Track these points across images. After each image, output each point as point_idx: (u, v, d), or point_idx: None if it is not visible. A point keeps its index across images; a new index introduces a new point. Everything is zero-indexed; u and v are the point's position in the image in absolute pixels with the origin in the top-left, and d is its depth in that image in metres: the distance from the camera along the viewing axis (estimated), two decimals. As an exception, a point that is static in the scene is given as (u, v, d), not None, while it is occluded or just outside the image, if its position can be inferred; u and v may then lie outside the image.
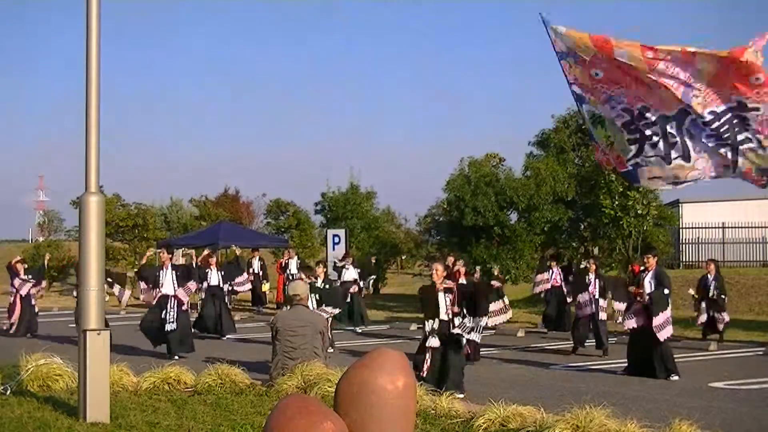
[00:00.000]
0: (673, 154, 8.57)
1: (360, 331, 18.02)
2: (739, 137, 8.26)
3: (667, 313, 11.50)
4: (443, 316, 10.08)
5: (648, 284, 11.64)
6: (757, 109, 8.07)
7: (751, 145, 8.27)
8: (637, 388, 10.49)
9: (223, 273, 18.02)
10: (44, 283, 19.15)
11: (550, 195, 21.79)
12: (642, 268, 12.12)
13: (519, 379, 11.33)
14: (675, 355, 11.75)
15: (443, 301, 10.08)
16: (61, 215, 67.52)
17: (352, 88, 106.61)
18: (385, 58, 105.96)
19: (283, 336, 9.44)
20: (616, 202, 19.68)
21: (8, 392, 8.35)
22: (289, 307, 10.13)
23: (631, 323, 11.65)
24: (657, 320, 11.34)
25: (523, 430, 6.71)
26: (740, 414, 8.86)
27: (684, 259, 28.38)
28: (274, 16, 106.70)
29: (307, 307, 9.91)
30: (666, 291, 11.61)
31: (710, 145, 8.47)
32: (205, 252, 19.92)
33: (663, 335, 11.34)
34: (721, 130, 8.32)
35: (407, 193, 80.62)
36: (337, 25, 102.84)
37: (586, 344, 14.07)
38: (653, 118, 8.58)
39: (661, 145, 8.59)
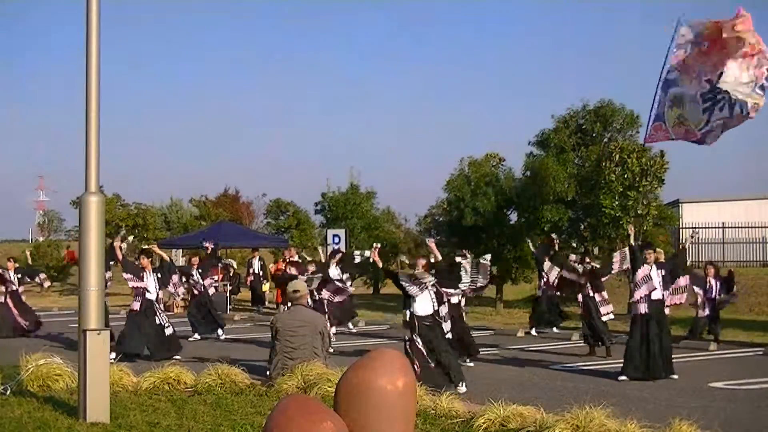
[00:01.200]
0: (735, 110, 10.23)
1: (353, 328, 18.05)
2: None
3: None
4: (427, 309, 10.44)
5: (658, 278, 11.54)
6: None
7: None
8: (637, 388, 10.49)
9: (200, 270, 17.62)
10: (42, 275, 18.62)
11: (550, 195, 21.78)
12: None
13: (519, 379, 11.33)
14: (675, 356, 11.76)
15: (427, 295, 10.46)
16: (61, 215, 67.64)
17: (352, 87, 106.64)
18: (386, 58, 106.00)
19: (283, 336, 9.45)
20: (616, 202, 19.67)
21: (8, 392, 8.36)
22: (288, 307, 10.13)
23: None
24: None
25: (523, 430, 6.71)
26: (740, 414, 8.86)
27: (684, 259, 28.34)
28: (274, 16, 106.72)
29: (307, 306, 9.91)
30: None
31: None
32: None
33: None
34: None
35: (407, 193, 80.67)
36: (337, 25, 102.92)
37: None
38: (725, 87, 10.27)
39: (726, 108, 10.26)
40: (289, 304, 10.24)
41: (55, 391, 8.51)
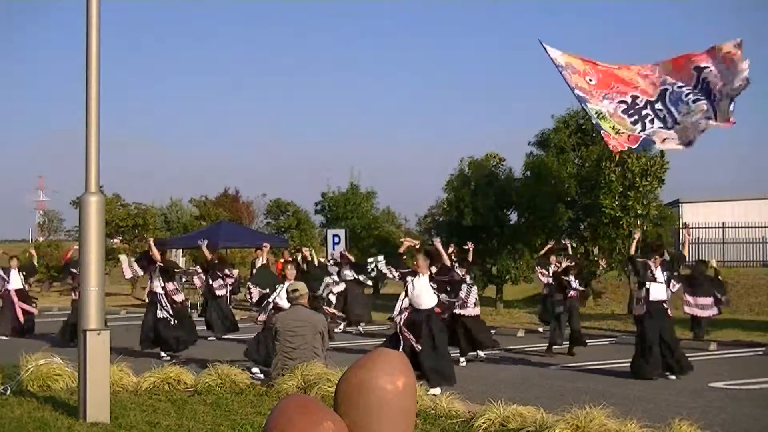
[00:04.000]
0: (668, 123, 10.50)
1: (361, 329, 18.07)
2: (710, 96, 10.28)
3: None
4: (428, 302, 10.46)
5: (661, 276, 11.60)
6: (708, 66, 10.37)
7: (717, 98, 10.22)
8: (637, 388, 10.49)
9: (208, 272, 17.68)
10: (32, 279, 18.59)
11: (550, 195, 21.79)
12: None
13: (519, 379, 11.33)
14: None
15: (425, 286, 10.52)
16: (61, 215, 67.61)
17: (352, 87, 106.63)
18: (386, 58, 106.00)
19: (283, 336, 9.44)
20: (616, 202, 19.68)
21: (8, 392, 8.35)
22: (288, 307, 10.12)
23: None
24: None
25: (523, 430, 6.71)
26: (740, 414, 8.86)
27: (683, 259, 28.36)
28: (274, 15, 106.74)
29: (307, 306, 9.89)
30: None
31: (692, 102, 10.39)
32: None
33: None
34: (696, 89, 10.44)
35: (407, 193, 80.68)
36: (337, 24, 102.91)
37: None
38: (642, 103, 10.65)
39: (656, 121, 10.55)
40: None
41: (55, 391, 8.50)
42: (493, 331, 17.60)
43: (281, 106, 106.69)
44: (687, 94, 10.48)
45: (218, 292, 17.30)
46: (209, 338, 16.54)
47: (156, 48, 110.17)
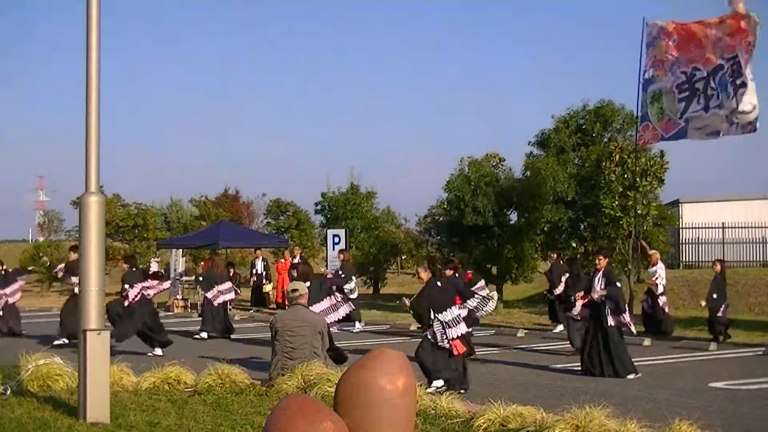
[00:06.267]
0: (712, 104, 11.09)
1: (357, 329, 18.08)
2: (738, 80, 10.99)
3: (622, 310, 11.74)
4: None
5: (598, 283, 11.82)
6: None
7: (743, 89, 11.02)
8: (637, 388, 10.49)
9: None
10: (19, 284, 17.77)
11: (550, 195, 21.78)
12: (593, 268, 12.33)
13: (519, 379, 11.33)
14: (675, 356, 11.76)
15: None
16: (61, 215, 67.72)
17: (352, 87, 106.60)
18: (386, 58, 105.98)
19: (283, 336, 9.44)
20: (616, 202, 19.67)
21: (8, 392, 8.35)
22: (287, 307, 10.13)
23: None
24: (610, 320, 11.59)
25: (523, 430, 6.71)
26: (740, 414, 8.85)
27: (684, 259, 28.39)
28: (275, 16, 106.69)
29: (306, 306, 9.89)
30: (618, 285, 11.87)
31: (731, 91, 11.18)
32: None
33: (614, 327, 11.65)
34: (732, 76, 11.10)
35: (407, 193, 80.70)
36: (337, 24, 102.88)
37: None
38: (700, 75, 11.32)
39: (702, 99, 11.17)
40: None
41: (55, 391, 8.50)
42: (493, 331, 17.67)
43: (281, 106, 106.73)
44: (732, 78, 11.17)
45: (215, 302, 17.27)
46: (195, 336, 16.47)
47: (156, 47, 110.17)
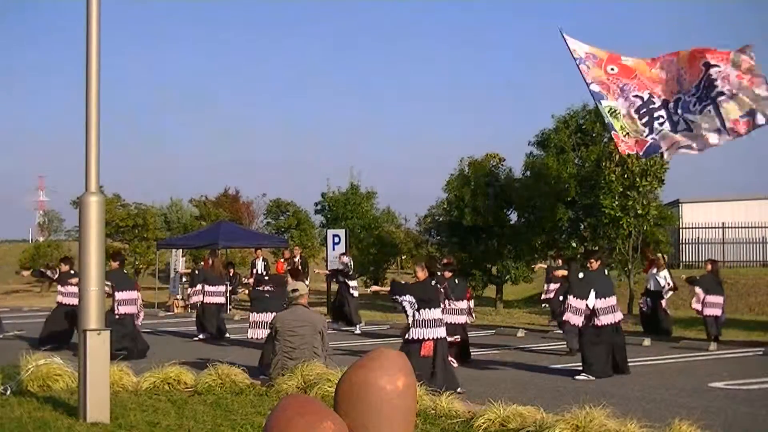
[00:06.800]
0: (679, 127, 10.54)
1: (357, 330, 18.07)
2: (712, 93, 10.36)
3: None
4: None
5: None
6: (718, 66, 10.35)
7: (722, 97, 10.27)
8: (637, 388, 10.48)
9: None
10: None
11: (550, 195, 21.78)
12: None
13: (519, 379, 11.32)
14: (675, 356, 11.75)
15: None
16: (61, 215, 67.74)
17: (352, 87, 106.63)
18: (386, 58, 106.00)
19: (282, 336, 9.44)
20: (616, 202, 19.66)
21: (8, 392, 8.35)
22: (287, 307, 10.12)
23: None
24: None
25: (523, 430, 6.71)
26: (740, 414, 8.85)
27: (684, 259, 28.40)
28: (275, 16, 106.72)
29: (306, 306, 9.89)
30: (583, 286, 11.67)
31: (699, 111, 10.49)
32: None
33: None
34: (702, 95, 10.49)
35: (407, 193, 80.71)
36: (337, 24, 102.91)
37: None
38: (658, 104, 10.70)
39: (666, 124, 10.60)
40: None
41: (55, 391, 8.50)
42: (493, 331, 17.66)
43: (281, 106, 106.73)
44: (694, 104, 10.52)
45: (191, 299, 17.32)
46: (194, 339, 16.45)
47: (156, 47, 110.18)
